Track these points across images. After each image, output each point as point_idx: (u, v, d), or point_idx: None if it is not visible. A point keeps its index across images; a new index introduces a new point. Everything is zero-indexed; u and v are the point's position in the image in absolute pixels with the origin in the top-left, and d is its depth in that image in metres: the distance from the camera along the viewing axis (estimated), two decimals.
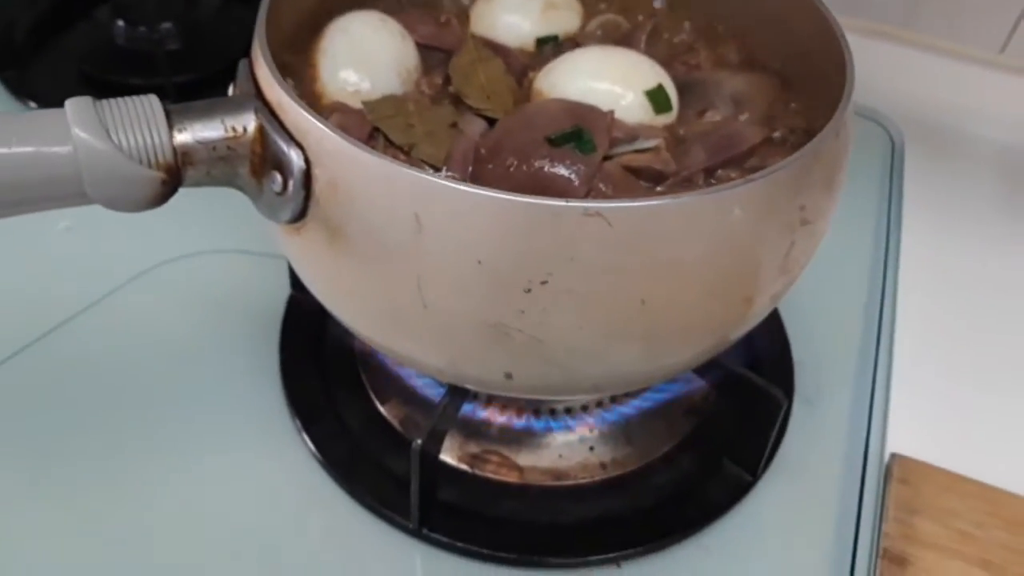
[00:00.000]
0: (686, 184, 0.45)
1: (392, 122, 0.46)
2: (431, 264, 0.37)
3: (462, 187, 0.35)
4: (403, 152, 0.44)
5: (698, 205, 0.36)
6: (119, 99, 0.39)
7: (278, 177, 0.39)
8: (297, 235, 0.41)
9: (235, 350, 0.58)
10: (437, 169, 0.44)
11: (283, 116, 0.39)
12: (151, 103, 0.39)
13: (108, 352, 0.57)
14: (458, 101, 0.49)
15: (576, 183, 0.43)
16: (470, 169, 0.44)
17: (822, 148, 0.39)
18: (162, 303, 0.60)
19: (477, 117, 0.48)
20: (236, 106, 0.40)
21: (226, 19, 0.81)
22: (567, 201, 0.35)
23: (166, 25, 0.76)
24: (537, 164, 0.43)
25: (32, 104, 0.73)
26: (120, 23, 0.76)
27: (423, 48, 0.53)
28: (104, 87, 0.75)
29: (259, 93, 0.40)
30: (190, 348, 0.57)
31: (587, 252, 0.35)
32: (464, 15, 0.56)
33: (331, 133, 0.37)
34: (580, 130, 0.44)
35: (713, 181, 0.45)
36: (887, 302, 0.65)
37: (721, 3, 0.56)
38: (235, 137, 0.39)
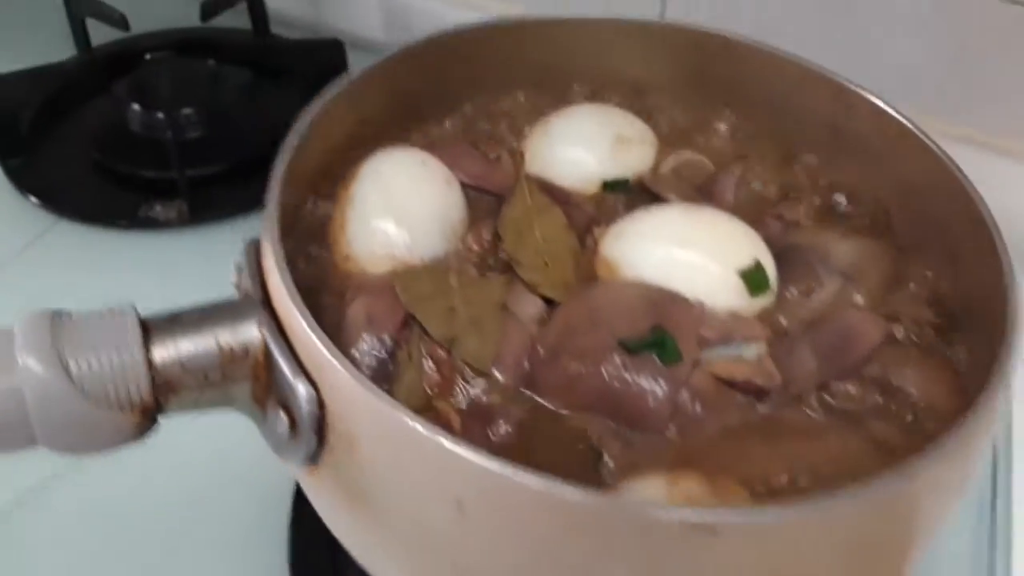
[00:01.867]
0: (794, 403, 0.35)
1: (430, 307, 0.38)
2: (473, 560, 0.28)
3: (522, 477, 0.26)
4: (442, 349, 0.36)
5: (838, 516, 0.26)
6: (86, 314, 0.31)
7: (283, 417, 0.30)
8: (311, 477, 0.33)
9: (238, 526, 0.49)
10: (483, 374, 0.35)
11: (295, 339, 0.30)
12: (124, 320, 0.30)
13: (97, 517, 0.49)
14: (508, 267, 0.40)
15: (657, 403, 0.35)
16: (525, 368, 0.36)
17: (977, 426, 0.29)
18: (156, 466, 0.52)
19: (531, 294, 0.39)
20: (235, 316, 0.31)
21: (252, 103, 0.73)
22: (663, 509, 0.26)
23: (186, 111, 0.69)
24: (608, 375, 0.35)
25: (32, 199, 0.65)
26: (135, 107, 0.69)
27: (469, 190, 0.44)
28: (114, 178, 0.68)
29: (266, 300, 0.32)
30: (184, 525, 0.49)
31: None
32: (517, 152, 0.47)
33: (352, 379, 0.28)
34: (663, 335, 0.35)
35: (827, 398, 0.36)
36: None
37: (807, 126, 0.46)
38: (232, 361, 0.31)
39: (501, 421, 0.34)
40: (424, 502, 0.28)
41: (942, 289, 0.40)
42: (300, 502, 0.50)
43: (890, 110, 0.42)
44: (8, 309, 0.58)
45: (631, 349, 0.35)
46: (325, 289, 0.40)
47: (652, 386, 0.34)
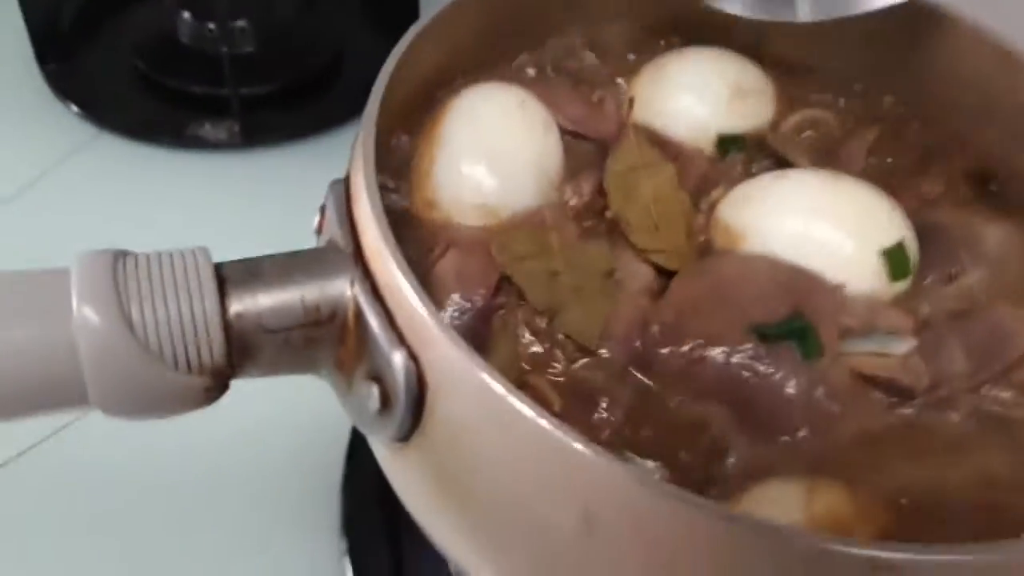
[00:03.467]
0: (942, 408, 0.31)
1: (529, 269, 0.33)
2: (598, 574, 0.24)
3: (674, 496, 0.22)
4: (541, 318, 0.32)
5: None
6: (153, 256, 0.26)
7: (375, 391, 0.26)
8: (396, 455, 0.28)
9: (287, 488, 0.45)
10: (590, 352, 0.31)
11: (393, 303, 0.26)
12: (197, 262, 0.26)
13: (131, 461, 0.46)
14: (612, 228, 0.36)
15: (792, 400, 0.30)
16: (636, 347, 0.31)
17: None
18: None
19: (642, 263, 0.34)
20: (323, 272, 0.27)
21: (310, 18, 0.68)
22: (845, 546, 0.21)
23: (239, 23, 0.63)
24: (737, 363, 0.30)
25: (73, 107, 0.61)
26: (186, 15, 0.64)
27: (568, 136, 0.39)
28: (161, 91, 0.63)
29: (358, 253, 0.27)
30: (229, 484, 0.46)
31: None
32: (625, 95, 0.42)
33: (464, 356, 0.24)
34: (804, 323, 0.31)
35: (979, 404, 0.31)
36: None
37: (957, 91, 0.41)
38: (318, 323, 0.26)
39: (606, 406, 0.30)
40: (539, 507, 0.24)
41: None
42: (353, 459, 0.46)
43: None
44: (47, 223, 0.55)
45: (767, 336, 0.30)
46: (404, 240, 0.35)
47: (788, 380, 0.30)
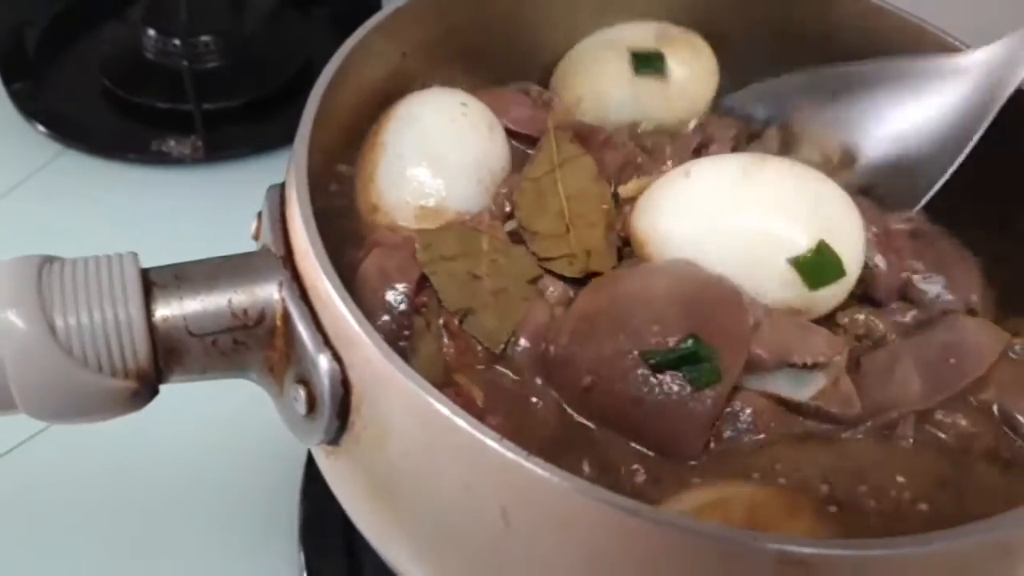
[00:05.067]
0: (886, 430, 0.30)
1: (450, 269, 0.33)
2: (512, 572, 0.24)
3: (588, 491, 0.22)
4: (455, 319, 0.31)
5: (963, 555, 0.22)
6: (80, 262, 0.26)
7: (302, 394, 0.26)
8: (330, 458, 0.28)
9: (246, 497, 0.45)
10: (495, 356, 0.31)
11: (320, 306, 0.26)
12: (123, 268, 0.26)
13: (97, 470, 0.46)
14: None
15: (689, 430, 0.28)
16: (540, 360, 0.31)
17: None
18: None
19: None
20: (252, 276, 0.27)
21: (275, 34, 0.68)
22: (753, 540, 0.21)
23: (204, 39, 0.64)
24: (626, 393, 0.29)
25: (39, 127, 0.61)
26: (151, 32, 0.64)
27: (515, 137, 0.39)
28: (127, 108, 0.63)
29: (289, 256, 0.27)
30: (196, 482, 0.45)
31: None
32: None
33: (386, 358, 0.24)
34: (696, 349, 0.29)
35: (928, 428, 0.30)
36: None
37: None
38: (246, 327, 0.26)
39: (519, 411, 0.30)
40: (462, 506, 0.24)
41: None
42: (312, 468, 0.46)
43: None
44: (10, 239, 0.55)
45: (656, 365, 0.28)
46: (349, 245, 0.35)
47: (680, 413, 0.28)
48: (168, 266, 0.27)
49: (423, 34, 0.38)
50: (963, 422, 0.30)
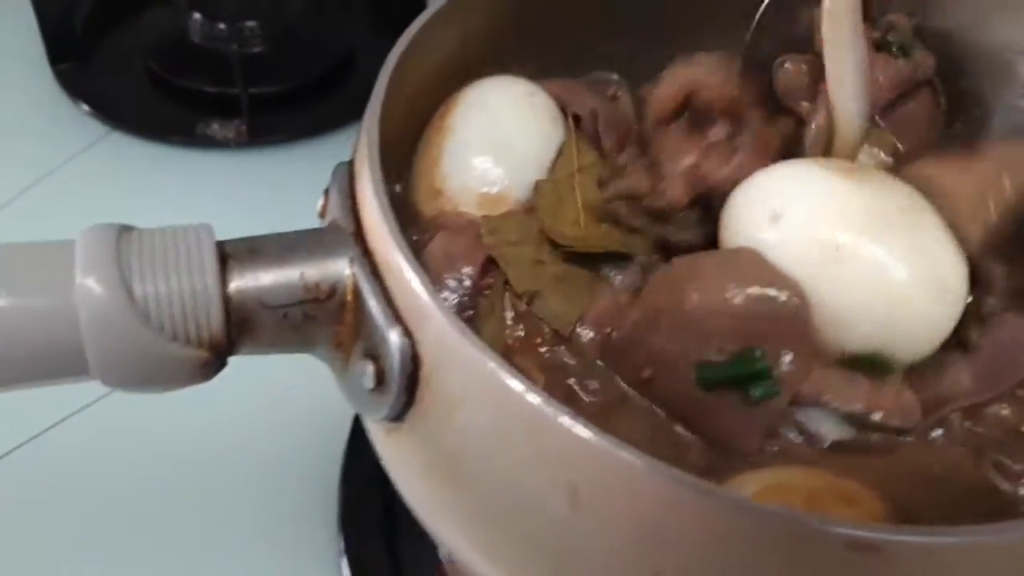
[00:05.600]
0: (936, 426, 0.30)
1: (514, 253, 0.33)
2: (587, 556, 0.24)
3: (662, 471, 0.22)
4: (522, 301, 0.32)
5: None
6: (157, 232, 0.27)
7: (370, 369, 0.26)
8: (390, 435, 0.29)
9: (285, 482, 0.46)
10: (564, 338, 0.31)
11: (391, 281, 0.26)
12: (199, 239, 0.26)
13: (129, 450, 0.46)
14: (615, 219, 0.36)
15: (743, 433, 0.29)
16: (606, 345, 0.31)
17: None
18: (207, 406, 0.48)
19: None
20: (323, 251, 0.27)
21: (319, 19, 0.68)
22: (822, 524, 0.21)
23: (250, 23, 0.64)
24: (684, 391, 0.29)
25: (84, 106, 0.62)
26: (197, 16, 0.64)
27: (580, 127, 0.39)
28: (172, 91, 0.63)
29: (359, 233, 0.28)
30: (234, 464, 0.46)
31: None
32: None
33: (459, 334, 0.24)
34: (755, 363, 0.29)
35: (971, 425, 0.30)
36: None
37: None
38: (317, 300, 0.27)
39: (583, 391, 0.30)
40: (530, 483, 0.24)
41: None
42: (352, 455, 0.46)
43: None
44: (53, 219, 0.55)
45: (708, 380, 0.28)
46: (412, 227, 0.36)
47: (737, 416, 0.28)
48: (242, 239, 0.27)
49: (488, 20, 0.38)
50: (1005, 410, 0.30)
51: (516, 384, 0.23)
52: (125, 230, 0.26)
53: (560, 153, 0.38)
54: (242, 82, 0.60)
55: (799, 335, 0.29)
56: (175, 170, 0.59)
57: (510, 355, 0.30)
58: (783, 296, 0.29)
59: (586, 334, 0.32)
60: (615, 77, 0.43)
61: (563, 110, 0.39)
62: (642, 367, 0.30)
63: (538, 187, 0.36)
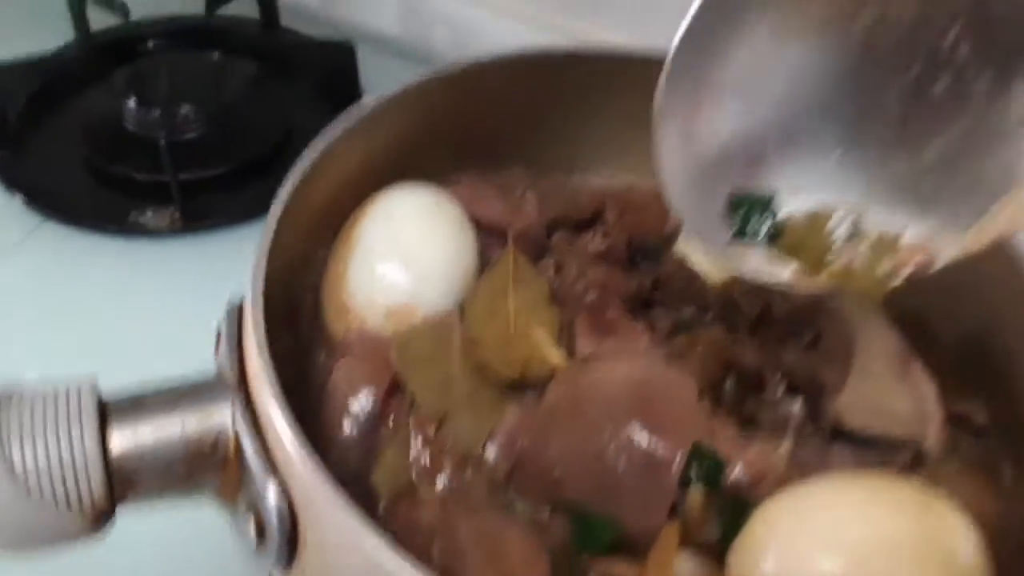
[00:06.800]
0: None
1: (425, 371, 0.34)
2: None
3: None
4: (430, 425, 0.33)
5: None
6: (39, 391, 0.27)
7: (252, 521, 0.27)
8: None
9: None
10: (472, 460, 0.32)
11: (270, 435, 0.27)
12: (80, 399, 0.27)
13: None
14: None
15: (654, 510, 0.31)
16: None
17: None
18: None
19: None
20: (208, 402, 0.28)
21: (256, 102, 0.69)
22: None
23: (184, 110, 0.65)
24: (593, 482, 0.32)
25: (19, 196, 0.62)
26: (131, 103, 0.65)
27: (486, 233, 0.40)
28: (108, 179, 0.64)
29: (242, 383, 0.28)
30: None
31: None
32: (549, 191, 0.43)
33: (327, 489, 0.25)
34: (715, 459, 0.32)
35: None
36: None
37: None
38: (199, 455, 0.27)
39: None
40: None
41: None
42: None
43: None
44: None
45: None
46: (319, 348, 0.37)
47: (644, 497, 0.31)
48: (127, 394, 0.28)
49: (400, 128, 0.39)
50: None
51: (379, 542, 0.24)
52: (7, 394, 0.27)
53: (497, 263, 0.39)
54: (172, 169, 0.61)
55: (684, 407, 0.32)
56: (111, 258, 0.60)
57: (412, 489, 0.31)
58: (664, 371, 0.33)
59: (494, 453, 0.33)
60: (521, 173, 0.44)
61: (471, 217, 0.40)
62: (552, 468, 0.31)
63: (469, 298, 0.37)
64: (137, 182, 0.63)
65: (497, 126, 0.43)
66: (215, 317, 0.56)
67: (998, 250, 0.35)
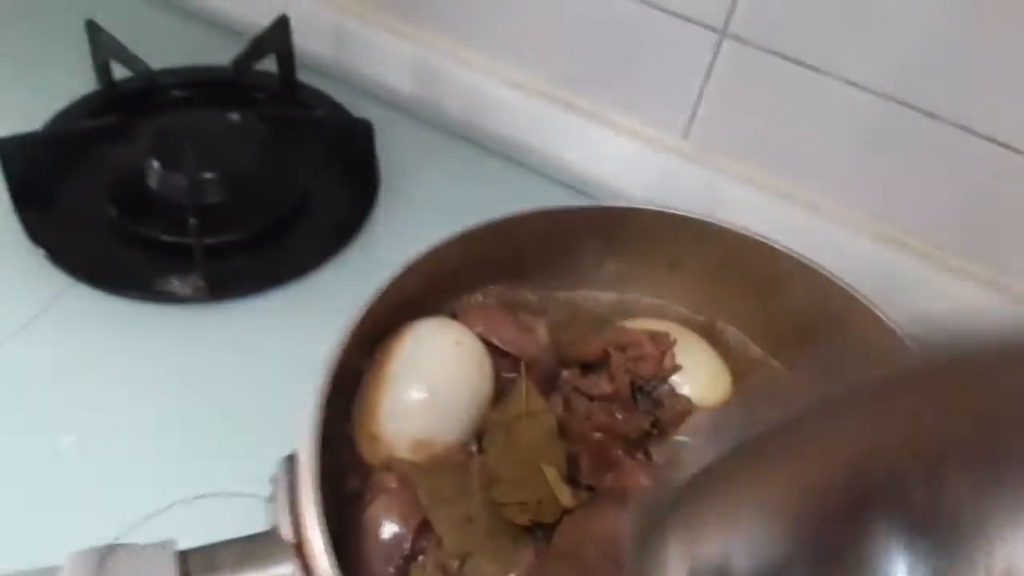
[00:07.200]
0: None
1: (449, 512, 0.39)
2: None
3: None
4: (453, 562, 0.37)
5: None
6: (128, 550, 0.32)
7: None
8: None
9: None
10: None
11: None
12: (164, 558, 0.31)
13: None
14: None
15: None
16: None
17: None
18: None
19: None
20: (270, 561, 0.33)
21: (274, 167, 0.72)
22: None
23: (207, 175, 0.68)
24: None
25: (43, 252, 0.65)
26: (155, 163, 0.68)
27: (500, 356, 0.45)
28: (133, 239, 0.67)
29: (299, 545, 0.33)
30: None
31: None
32: (555, 318, 0.48)
33: None
34: None
35: None
36: None
37: None
38: None
39: None
40: None
41: None
42: None
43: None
44: (18, 382, 0.59)
45: None
46: (351, 473, 0.41)
47: None
48: (201, 550, 0.33)
49: (417, 281, 0.44)
50: None
51: None
52: (102, 555, 0.31)
53: (511, 393, 0.43)
54: (197, 235, 0.64)
55: None
56: (136, 323, 0.63)
57: None
58: None
59: None
60: (534, 300, 0.49)
61: (488, 344, 0.45)
62: None
63: (488, 429, 0.42)
64: (160, 243, 0.66)
65: (519, 255, 0.48)
66: (233, 383, 0.60)
67: None
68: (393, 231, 0.71)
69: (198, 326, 0.64)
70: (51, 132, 0.72)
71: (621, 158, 0.73)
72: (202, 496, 0.55)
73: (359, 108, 0.78)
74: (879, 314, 0.44)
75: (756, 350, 0.49)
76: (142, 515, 0.54)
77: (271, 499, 0.36)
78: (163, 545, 0.32)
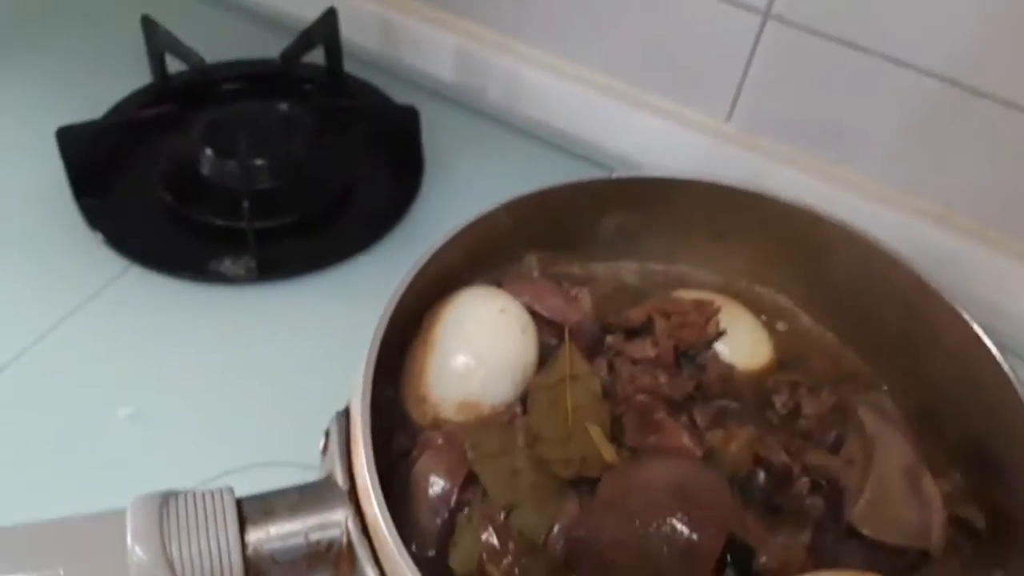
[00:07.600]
0: None
1: (495, 466, 0.40)
2: None
3: None
4: (499, 513, 0.38)
5: None
6: (189, 495, 0.33)
7: None
8: None
9: None
10: (535, 547, 0.38)
11: (377, 541, 0.33)
12: (224, 503, 0.33)
13: None
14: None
15: None
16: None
17: None
18: None
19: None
20: (323, 508, 0.34)
21: (322, 154, 0.74)
22: None
23: (258, 162, 0.70)
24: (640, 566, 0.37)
25: (100, 236, 0.67)
26: (208, 151, 0.70)
27: (545, 324, 0.46)
28: (187, 224, 0.69)
29: (353, 492, 0.34)
30: None
31: None
32: (600, 290, 0.49)
33: None
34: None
35: None
36: None
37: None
38: (318, 553, 0.33)
39: None
40: None
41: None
42: None
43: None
44: (79, 356, 0.61)
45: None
46: (399, 432, 0.42)
47: None
48: (257, 498, 0.34)
49: (461, 252, 0.44)
50: None
51: None
52: (164, 499, 0.32)
53: (556, 359, 0.44)
54: (250, 220, 0.66)
55: (719, 501, 0.38)
56: (191, 303, 0.65)
57: (483, 571, 0.37)
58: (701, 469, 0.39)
59: (557, 539, 0.38)
60: (578, 272, 0.50)
61: (534, 313, 0.46)
62: (604, 554, 0.37)
63: (531, 393, 0.42)
64: (214, 227, 0.68)
65: (563, 227, 0.49)
66: (282, 360, 0.61)
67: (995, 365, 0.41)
68: (436, 216, 0.73)
69: (249, 306, 0.66)
70: (108, 122, 0.75)
71: (662, 141, 0.74)
72: (253, 465, 0.57)
73: (403, 97, 0.79)
74: (924, 279, 0.43)
75: (805, 318, 0.49)
76: (198, 482, 0.56)
77: (324, 451, 0.37)
78: (221, 491, 0.33)
